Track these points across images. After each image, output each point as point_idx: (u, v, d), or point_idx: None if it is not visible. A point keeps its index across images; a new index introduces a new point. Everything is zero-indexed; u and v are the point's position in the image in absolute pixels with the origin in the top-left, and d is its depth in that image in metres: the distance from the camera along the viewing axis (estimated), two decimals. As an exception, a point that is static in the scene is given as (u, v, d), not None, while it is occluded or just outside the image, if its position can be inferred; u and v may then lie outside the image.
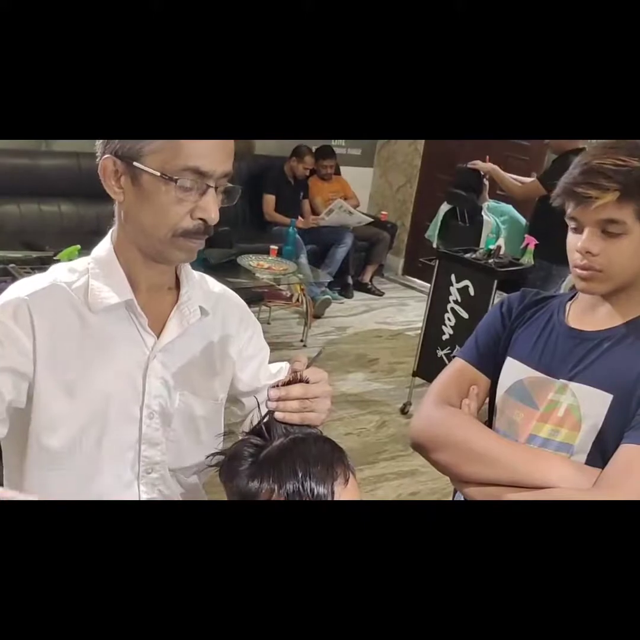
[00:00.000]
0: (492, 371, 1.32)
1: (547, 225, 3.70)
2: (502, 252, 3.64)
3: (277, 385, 0.90)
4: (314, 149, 5.61)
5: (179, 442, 1.09)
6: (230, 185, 1.01)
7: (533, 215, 4.10)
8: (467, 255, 3.65)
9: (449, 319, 3.64)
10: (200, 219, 0.97)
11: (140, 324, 1.04)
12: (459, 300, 3.59)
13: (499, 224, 4.23)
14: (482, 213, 4.29)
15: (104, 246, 1.06)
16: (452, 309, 3.62)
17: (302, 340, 4.68)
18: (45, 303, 0.99)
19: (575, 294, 1.29)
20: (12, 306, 0.97)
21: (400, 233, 6.43)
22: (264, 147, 5.82)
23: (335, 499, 0.83)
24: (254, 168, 5.59)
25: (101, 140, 0.98)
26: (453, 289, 3.61)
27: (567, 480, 1.11)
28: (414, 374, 3.84)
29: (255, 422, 0.92)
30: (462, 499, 1.24)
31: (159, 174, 0.94)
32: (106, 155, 0.97)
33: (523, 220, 4.32)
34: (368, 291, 5.94)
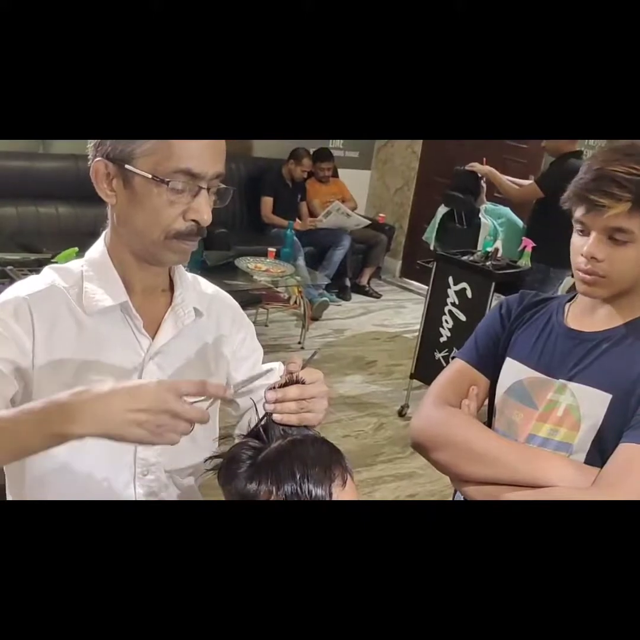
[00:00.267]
0: (492, 372, 1.33)
1: (544, 228, 3.72)
2: (499, 254, 3.64)
3: (274, 387, 0.90)
4: (311, 151, 5.62)
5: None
6: (222, 186, 1.01)
7: (530, 217, 4.10)
8: (465, 258, 3.65)
9: (446, 321, 3.64)
10: (193, 220, 0.97)
11: (135, 326, 1.04)
12: (457, 302, 3.59)
13: (496, 227, 4.23)
14: (480, 215, 4.29)
15: (98, 248, 1.06)
16: (450, 312, 3.62)
17: (299, 343, 4.68)
18: (45, 304, 1.00)
19: (574, 296, 1.30)
20: (12, 305, 0.98)
21: (397, 235, 6.43)
22: (262, 149, 5.83)
23: None
24: (251, 170, 5.60)
25: (93, 144, 0.98)
26: (450, 292, 3.61)
27: (566, 479, 1.11)
28: (412, 376, 3.84)
29: (252, 424, 0.92)
30: (462, 499, 1.24)
31: (150, 176, 0.94)
32: (98, 158, 0.97)
33: (520, 223, 4.32)
34: (366, 293, 5.95)
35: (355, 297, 5.81)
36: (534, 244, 3.66)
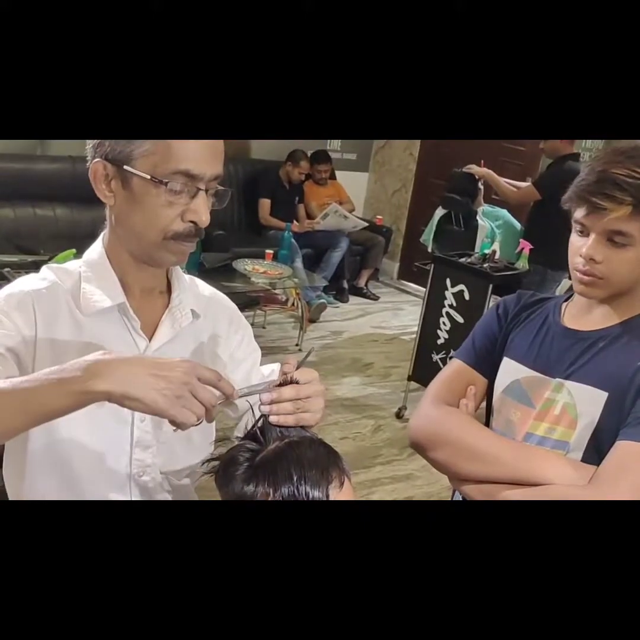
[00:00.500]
0: (489, 371, 1.34)
1: (542, 230, 3.73)
2: (497, 256, 3.65)
3: (265, 390, 0.90)
4: (309, 153, 5.62)
5: (171, 445, 1.09)
6: (220, 187, 1.01)
7: (528, 219, 4.11)
8: (462, 260, 3.65)
9: (444, 323, 3.64)
10: (191, 221, 0.97)
11: (133, 327, 1.04)
12: (454, 304, 3.59)
13: (494, 229, 4.23)
14: (477, 217, 4.30)
15: (96, 249, 1.06)
16: (447, 314, 3.62)
17: (297, 345, 4.68)
18: (46, 301, 1.00)
19: (570, 295, 1.30)
20: (16, 298, 0.99)
21: (395, 237, 6.44)
22: (260, 151, 5.83)
23: None
24: (249, 172, 5.60)
25: (91, 145, 0.98)
26: (448, 294, 3.61)
27: (563, 477, 1.12)
28: (409, 378, 3.84)
29: (249, 427, 0.92)
30: (461, 499, 1.24)
31: (149, 177, 0.94)
32: (97, 159, 0.97)
33: (518, 225, 4.33)
34: (363, 295, 5.95)
35: (353, 299, 5.81)
36: (532, 246, 3.66)
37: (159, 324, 1.07)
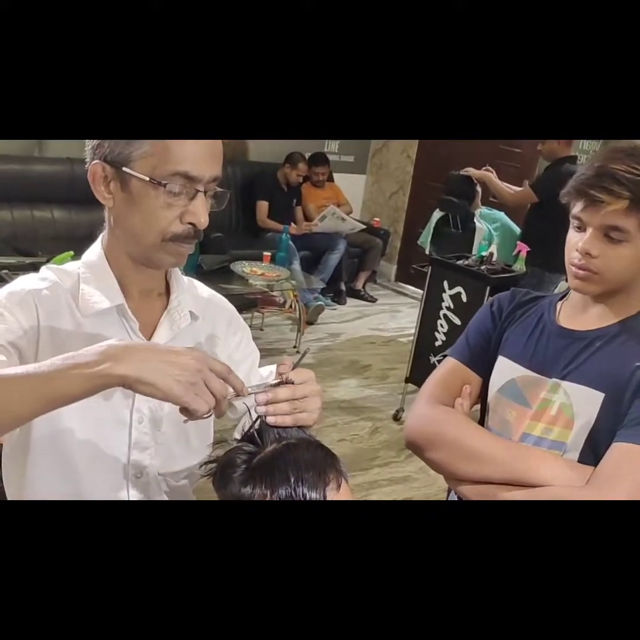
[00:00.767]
0: (484, 370, 1.34)
1: (539, 232, 3.73)
2: (494, 258, 3.65)
3: (265, 390, 0.90)
4: (307, 156, 5.63)
5: (169, 447, 1.09)
6: (219, 189, 1.01)
7: (525, 222, 4.12)
8: (460, 262, 3.65)
9: (441, 326, 3.65)
10: (190, 223, 0.98)
11: (131, 328, 1.04)
12: (452, 306, 3.59)
13: (491, 231, 4.24)
14: (475, 220, 4.30)
15: (95, 251, 1.06)
16: (445, 316, 3.62)
17: (295, 347, 4.68)
18: (48, 300, 1.00)
19: (566, 294, 1.30)
20: (18, 296, 0.99)
21: (393, 240, 6.44)
22: (258, 153, 5.83)
23: None
24: (247, 174, 5.60)
25: (90, 146, 0.98)
26: (445, 296, 3.61)
27: (559, 478, 1.12)
28: (407, 381, 3.84)
29: (246, 428, 0.92)
30: (457, 499, 1.24)
31: (148, 179, 0.94)
32: (95, 161, 0.97)
33: (515, 227, 4.34)
34: (361, 298, 5.95)
35: (351, 302, 5.81)
36: (529, 248, 3.67)
37: (158, 325, 1.07)
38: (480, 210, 4.37)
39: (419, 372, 3.70)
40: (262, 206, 5.51)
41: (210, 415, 0.86)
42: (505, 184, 4.20)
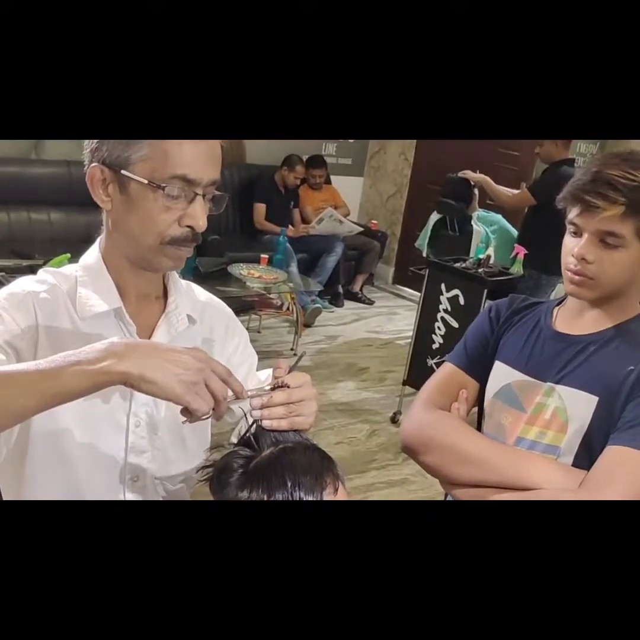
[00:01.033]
0: (481, 375, 1.34)
1: (536, 235, 3.74)
2: (491, 261, 3.66)
3: (260, 394, 0.90)
4: (304, 158, 5.64)
5: (166, 451, 1.08)
6: (217, 193, 1.01)
7: (523, 225, 4.12)
8: (457, 265, 3.66)
9: (439, 328, 3.65)
10: (188, 226, 0.97)
11: (129, 331, 1.04)
12: (449, 309, 3.60)
13: (488, 234, 4.25)
14: (472, 222, 4.31)
15: (92, 254, 1.06)
16: (442, 318, 3.63)
17: (292, 349, 4.68)
18: (46, 303, 1.00)
19: (562, 300, 1.31)
20: (17, 298, 0.99)
21: (390, 242, 6.45)
22: (255, 156, 5.84)
23: None
24: (244, 177, 5.61)
25: (89, 149, 0.98)
26: (443, 298, 3.62)
27: (553, 481, 1.12)
28: (404, 383, 3.84)
29: (242, 433, 0.92)
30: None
31: (146, 182, 0.94)
32: (94, 164, 0.97)
33: (513, 230, 4.34)
34: (358, 300, 5.95)
35: (348, 304, 5.82)
36: (526, 251, 3.67)
37: (155, 329, 1.07)
38: (478, 213, 4.38)
39: (416, 375, 3.71)
40: (260, 208, 5.51)
41: (209, 417, 0.86)
42: (503, 186, 4.21)
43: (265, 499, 0.81)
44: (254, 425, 0.89)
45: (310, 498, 0.81)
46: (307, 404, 0.92)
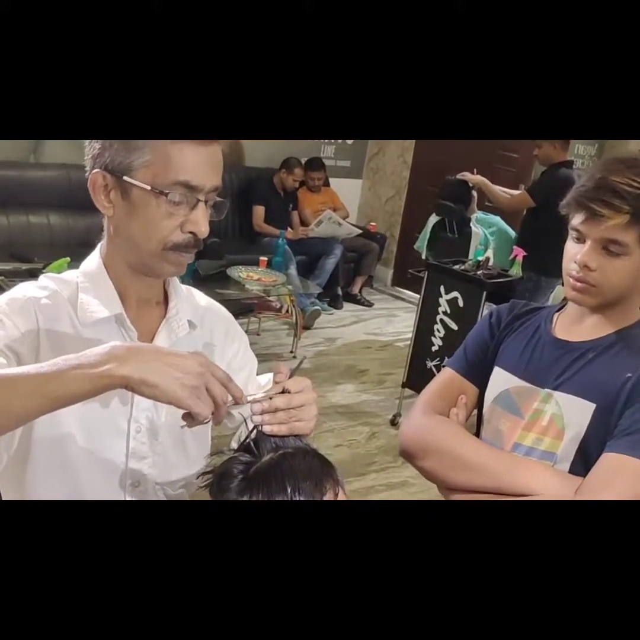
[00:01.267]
0: (481, 381, 1.34)
1: (535, 237, 3.75)
2: (490, 263, 3.66)
3: (256, 400, 0.90)
4: (303, 160, 5.64)
5: (166, 456, 1.09)
6: (219, 199, 1.01)
7: (521, 226, 4.13)
8: (456, 267, 3.66)
9: (438, 330, 3.65)
10: (190, 232, 0.98)
11: (130, 337, 1.04)
12: (448, 311, 3.60)
13: (487, 236, 4.25)
14: (471, 224, 4.31)
15: (93, 260, 1.06)
16: (442, 320, 3.63)
17: (291, 352, 4.68)
18: (48, 309, 1.00)
19: (563, 305, 1.31)
20: (19, 303, 0.99)
21: (389, 244, 6.45)
22: (254, 158, 5.84)
23: None
24: (243, 180, 5.61)
25: (91, 156, 0.98)
26: (442, 300, 3.62)
27: (549, 488, 1.12)
28: (404, 385, 3.84)
29: (242, 438, 0.92)
30: None
31: (149, 188, 0.94)
32: (96, 170, 0.97)
33: (511, 232, 4.35)
34: (357, 302, 5.96)
35: (347, 306, 5.82)
36: (525, 253, 3.68)
37: (156, 334, 1.07)
38: (476, 215, 4.38)
39: (415, 377, 3.71)
40: (259, 211, 5.51)
41: (209, 421, 0.86)
42: (502, 188, 4.21)
43: None
44: (254, 431, 0.90)
45: (310, 502, 0.82)
46: (308, 408, 0.93)
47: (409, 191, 6.38)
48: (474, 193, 4.34)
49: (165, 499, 1.11)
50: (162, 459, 1.08)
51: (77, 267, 1.09)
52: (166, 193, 0.94)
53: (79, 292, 1.03)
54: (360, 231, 5.89)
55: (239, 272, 4.30)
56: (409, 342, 3.89)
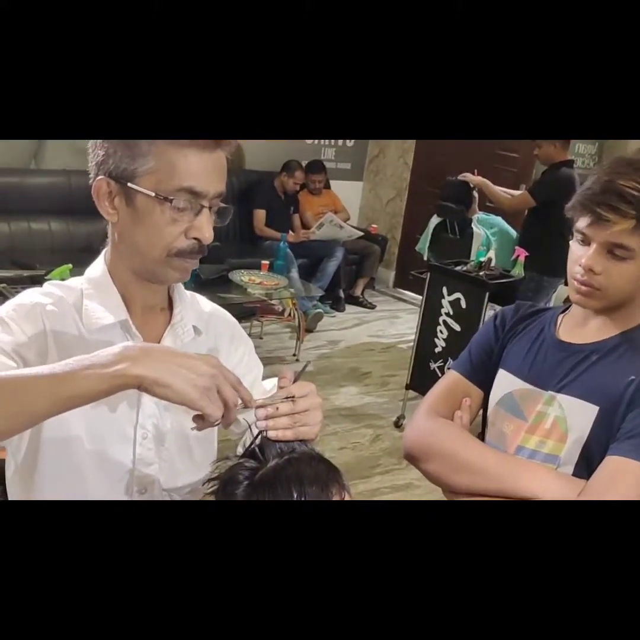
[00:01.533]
0: (485, 384, 1.34)
1: (537, 237, 3.75)
2: (492, 264, 3.66)
3: (265, 405, 0.90)
4: (304, 163, 5.64)
5: (173, 462, 1.09)
6: (223, 205, 1.01)
7: (523, 226, 4.13)
8: (458, 268, 3.66)
9: (441, 332, 3.65)
10: (195, 238, 0.98)
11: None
12: (451, 312, 3.60)
13: (489, 236, 4.25)
14: (472, 225, 4.31)
15: (98, 266, 1.06)
16: (444, 322, 3.63)
17: (294, 355, 4.68)
18: (54, 315, 1.00)
19: (568, 307, 1.30)
20: (25, 309, 0.99)
21: (390, 246, 6.46)
22: (254, 161, 5.84)
23: None
24: (244, 183, 5.61)
25: (94, 162, 0.98)
26: (445, 302, 3.62)
27: (551, 491, 1.12)
28: (407, 387, 3.84)
29: (248, 444, 0.92)
30: None
31: (153, 194, 0.94)
32: (100, 177, 0.97)
33: (513, 232, 4.35)
34: (360, 304, 5.96)
35: (350, 308, 5.82)
36: (527, 253, 3.68)
37: (161, 340, 1.07)
38: (478, 216, 4.38)
39: (419, 379, 3.71)
40: (260, 214, 5.52)
41: (218, 423, 0.86)
42: (503, 188, 4.21)
43: None
44: (259, 436, 0.90)
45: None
46: (313, 413, 0.93)
47: (410, 193, 6.38)
48: (475, 194, 4.33)
49: (171, 505, 1.11)
50: (168, 465, 1.08)
51: (79, 273, 1.09)
52: (170, 199, 0.94)
53: (84, 299, 1.03)
54: (361, 233, 5.89)
55: (240, 276, 4.30)
56: (411, 344, 3.89)
